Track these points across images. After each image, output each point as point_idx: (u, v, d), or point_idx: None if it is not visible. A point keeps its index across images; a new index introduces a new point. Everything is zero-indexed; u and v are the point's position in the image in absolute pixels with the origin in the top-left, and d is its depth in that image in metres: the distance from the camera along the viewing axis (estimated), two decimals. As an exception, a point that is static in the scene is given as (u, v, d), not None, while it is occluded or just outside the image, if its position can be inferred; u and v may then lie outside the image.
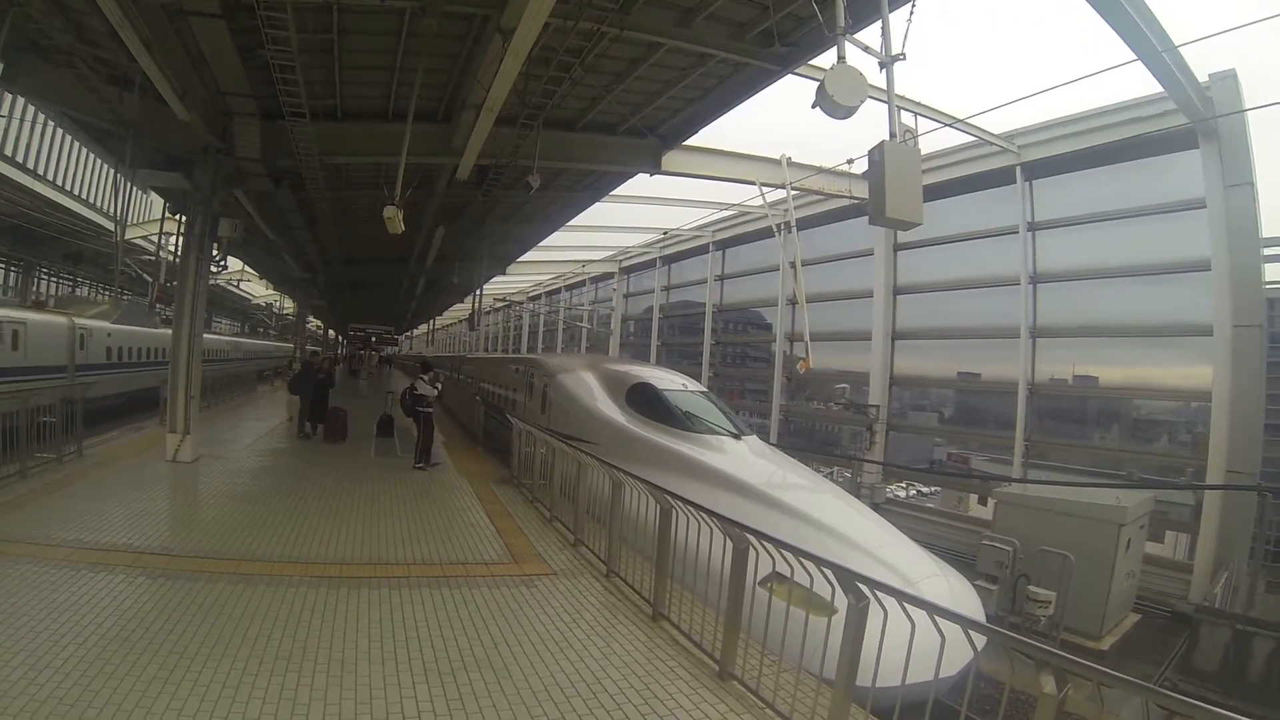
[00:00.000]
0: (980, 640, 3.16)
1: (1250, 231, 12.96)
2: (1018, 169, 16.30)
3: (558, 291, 43.88)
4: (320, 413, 14.63)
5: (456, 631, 5.08)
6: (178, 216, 12.38)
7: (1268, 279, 13.92)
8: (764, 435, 12.53)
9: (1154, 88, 12.51)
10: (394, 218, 10.65)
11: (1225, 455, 13.03)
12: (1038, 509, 12.20)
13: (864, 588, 3.59)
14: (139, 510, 7.50)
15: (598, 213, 19.12)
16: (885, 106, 6.44)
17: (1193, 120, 12.76)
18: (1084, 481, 14.88)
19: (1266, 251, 13.68)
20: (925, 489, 23.38)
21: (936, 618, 3.23)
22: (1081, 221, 15.82)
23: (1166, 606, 12.81)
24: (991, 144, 15.94)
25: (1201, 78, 12.50)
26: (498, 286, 37.78)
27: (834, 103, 6.01)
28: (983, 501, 16.85)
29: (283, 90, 8.89)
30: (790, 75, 10.13)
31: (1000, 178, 16.78)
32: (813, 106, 6.19)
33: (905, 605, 3.35)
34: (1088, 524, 11.41)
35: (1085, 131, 14.88)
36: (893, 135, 6.21)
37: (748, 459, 9.70)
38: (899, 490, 20.88)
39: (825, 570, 3.84)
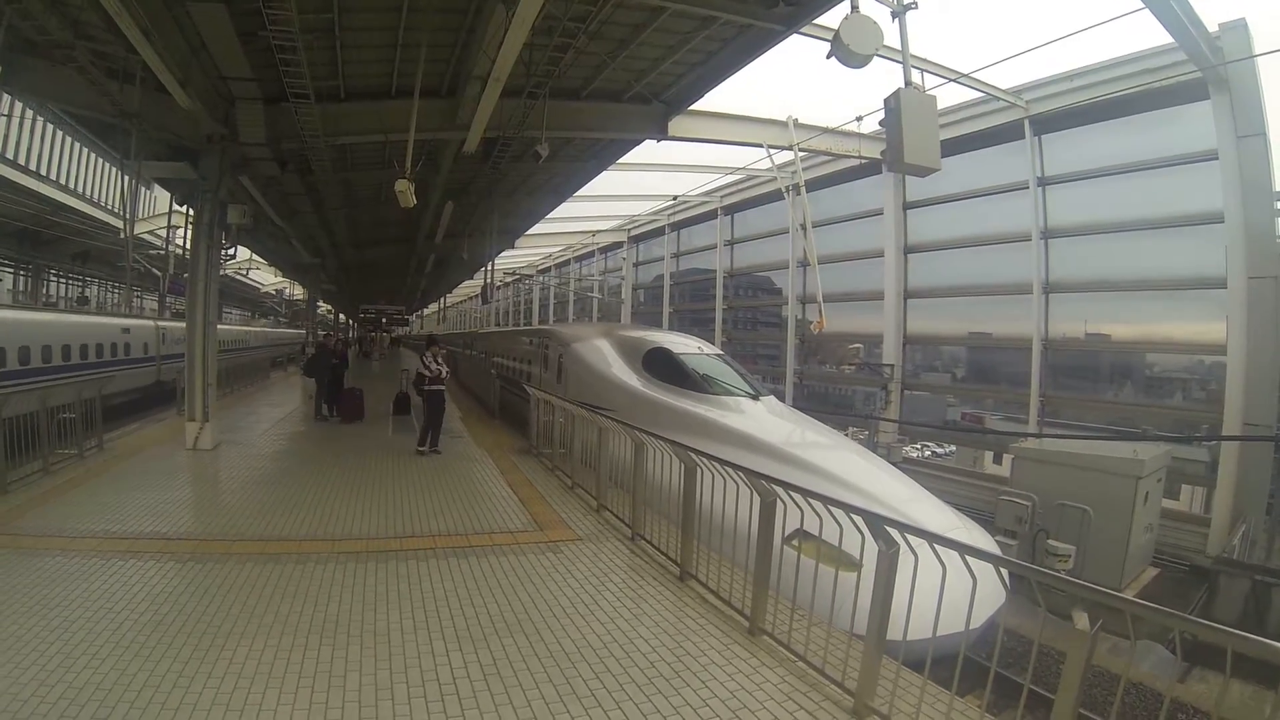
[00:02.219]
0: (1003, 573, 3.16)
1: (1264, 183, 12.82)
2: (1026, 123, 16.17)
3: (567, 263, 43.99)
4: (336, 394, 14.71)
5: (486, 599, 5.13)
6: (185, 208, 12.37)
7: (1280, 233, 13.78)
8: (779, 399, 12.51)
9: (1163, 38, 12.33)
10: (405, 190, 10.63)
11: (1241, 408, 12.99)
12: (1055, 463, 12.21)
13: (894, 532, 3.58)
14: (164, 499, 7.56)
15: (605, 182, 19.06)
16: (891, 64, 6.40)
17: (1202, 69, 12.54)
18: (1099, 433, 14.87)
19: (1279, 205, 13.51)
20: (940, 449, 23.45)
21: (967, 558, 3.21)
22: (1092, 175, 15.66)
23: (1185, 560, 12.87)
24: (999, 99, 15.78)
25: (1211, 27, 12.30)
26: (507, 261, 37.79)
27: (849, 51, 5.98)
28: (998, 460, 16.88)
29: (285, 72, 8.85)
30: (796, 36, 10.00)
31: (1009, 133, 16.67)
32: (828, 57, 6.16)
33: (935, 547, 3.34)
34: (1105, 478, 11.42)
35: (1094, 84, 14.71)
36: (908, 83, 6.14)
37: (766, 419, 9.74)
38: (913, 451, 20.94)
39: (854, 517, 3.81)
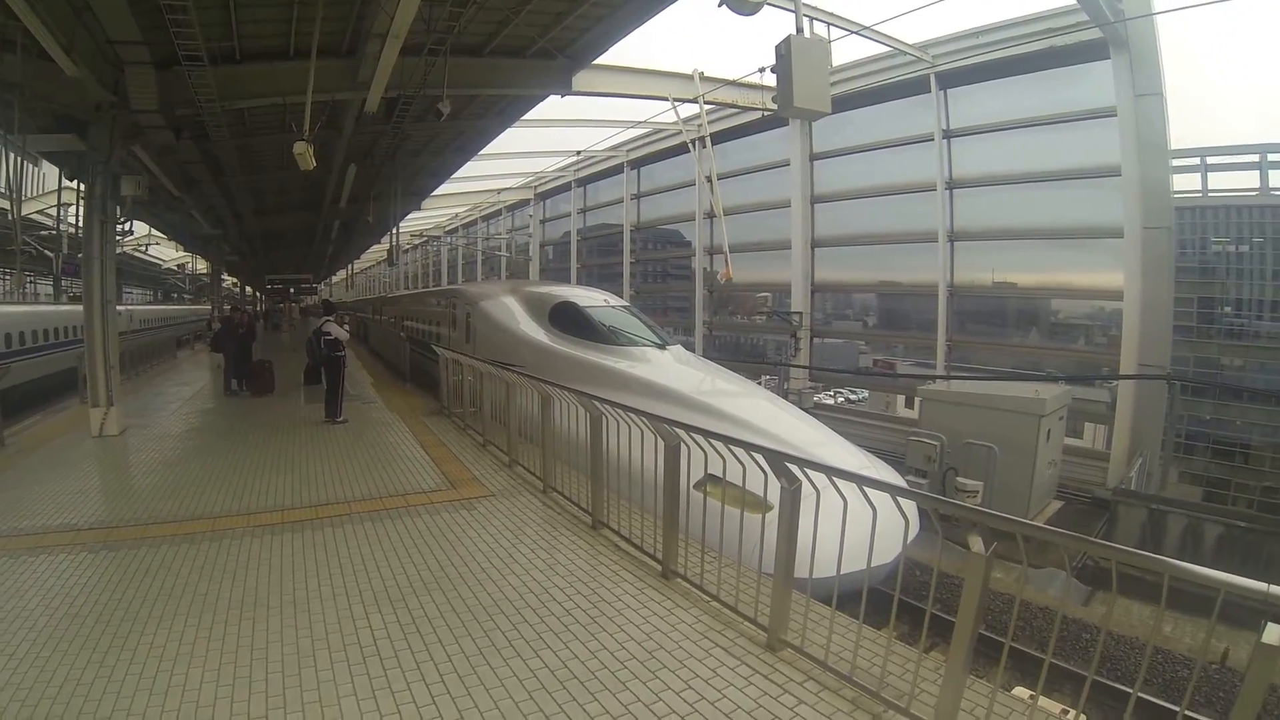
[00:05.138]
0: (910, 508, 3.28)
1: (1159, 139, 13.52)
2: (932, 78, 16.59)
3: (474, 223, 43.64)
4: (245, 368, 14.37)
5: (403, 559, 5.17)
6: (75, 183, 11.58)
7: (1176, 189, 14.63)
8: (688, 349, 12.73)
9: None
10: (305, 153, 10.25)
11: (1137, 350, 13.78)
12: (961, 404, 12.80)
13: (794, 468, 3.69)
14: (71, 489, 7.23)
15: (510, 139, 18.95)
16: (794, 17, 6.45)
17: (1103, 28, 13.01)
18: (1004, 376, 15.66)
19: (1175, 163, 14.33)
20: (853, 395, 24.37)
21: (867, 490, 3.32)
22: (996, 129, 16.24)
23: (1087, 493, 13.67)
24: (906, 53, 16.11)
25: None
26: (414, 223, 37.62)
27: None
28: (909, 404, 17.63)
29: (177, 34, 8.29)
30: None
31: (915, 87, 17.08)
32: (719, 5, 6.16)
33: (835, 481, 3.46)
34: (1009, 416, 12.01)
35: (1000, 42, 15.13)
36: (799, 30, 6.24)
37: (674, 368, 9.88)
38: (827, 398, 21.64)
39: (756, 456, 3.90)
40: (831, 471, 3.51)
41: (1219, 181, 32.91)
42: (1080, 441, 15.52)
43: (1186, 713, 2.75)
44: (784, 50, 5.89)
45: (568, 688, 3.48)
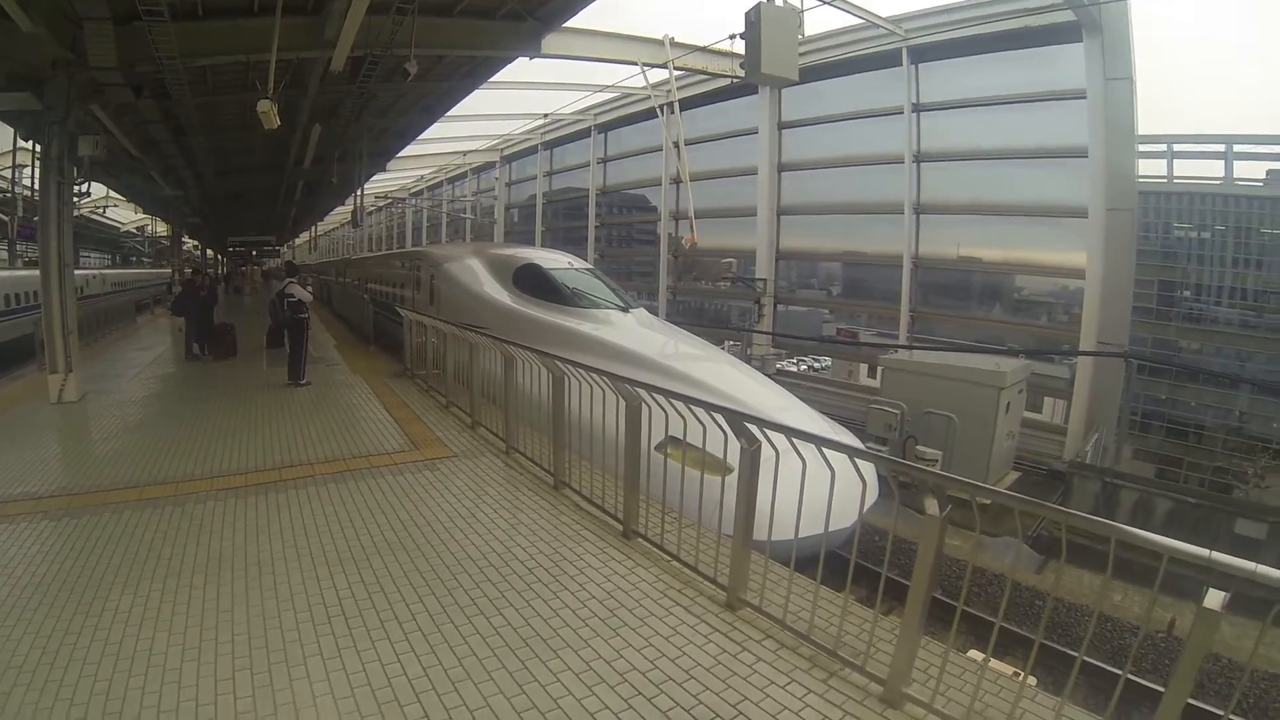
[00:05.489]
0: (870, 476, 3.34)
1: (1127, 124, 13.69)
2: (904, 51, 16.60)
3: (440, 185, 43.29)
4: (207, 331, 14.17)
5: (366, 520, 5.21)
6: (31, 143, 11.18)
7: (1141, 173, 14.88)
8: (653, 313, 12.84)
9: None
10: (269, 112, 10.04)
11: (1096, 329, 14.06)
12: (922, 374, 12.99)
13: (754, 428, 3.74)
14: (30, 458, 7.09)
15: (477, 101, 18.56)
16: None
17: (1076, 11, 13.11)
18: (966, 347, 15.93)
19: (1142, 148, 14.57)
20: (817, 363, 24.67)
21: (825, 451, 3.38)
22: (966, 105, 16.33)
23: (1044, 465, 14.01)
24: (879, 26, 16.11)
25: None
26: (379, 185, 37.21)
27: None
28: (872, 373, 17.91)
29: (136, -14, 8.02)
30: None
31: (887, 60, 17.11)
32: None
33: (794, 442, 3.52)
34: (969, 388, 12.22)
35: (974, 19, 15.17)
36: None
37: (636, 330, 9.90)
38: (791, 365, 21.88)
39: (716, 416, 3.95)
40: (791, 432, 3.56)
41: (1185, 168, 33.55)
42: (1040, 416, 15.91)
43: (1129, 675, 2.90)
44: (754, 17, 5.98)
45: (530, 645, 3.56)
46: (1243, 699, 7.36)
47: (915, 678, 3.17)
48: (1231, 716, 2.58)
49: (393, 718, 2.99)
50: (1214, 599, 2.25)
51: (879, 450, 11.27)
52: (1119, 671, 2.79)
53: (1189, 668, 2.41)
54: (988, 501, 3.04)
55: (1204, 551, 2.22)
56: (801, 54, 17.67)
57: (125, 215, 45.25)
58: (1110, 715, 2.67)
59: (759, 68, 6.05)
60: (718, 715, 3.05)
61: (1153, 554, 2.38)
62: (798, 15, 6.40)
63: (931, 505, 2.97)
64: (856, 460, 3.42)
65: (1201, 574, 2.25)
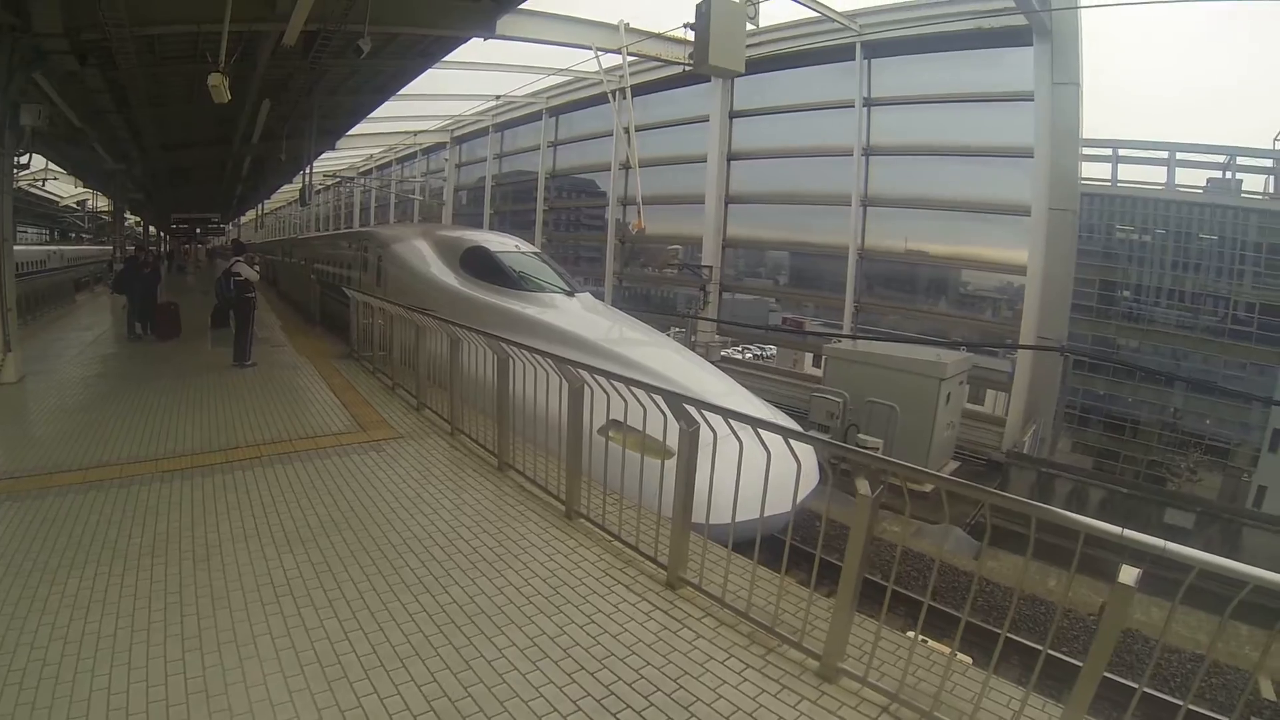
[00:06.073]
0: (810, 465, 3.41)
1: (1072, 127, 14.23)
2: (858, 46, 16.89)
3: (389, 165, 42.83)
4: (150, 311, 13.81)
5: (313, 500, 5.25)
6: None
7: (1085, 176, 15.42)
8: (599, 298, 12.94)
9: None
10: (220, 85, 9.80)
11: (1036, 323, 14.55)
12: (865, 364, 13.33)
13: (692, 409, 3.86)
14: (-33, 443, 6.91)
15: (429, 81, 18.32)
16: None
17: (1025, 13, 13.44)
18: (907, 339, 16.30)
19: (1086, 151, 15.08)
20: (762, 352, 25.00)
21: (761, 432, 3.47)
22: (917, 101, 16.72)
23: (983, 455, 14.50)
24: (834, 21, 16.34)
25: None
26: (328, 163, 36.33)
27: None
28: (817, 362, 18.27)
29: (83, -51, 7.76)
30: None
31: (840, 54, 17.40)
32: None
33: (731, 423, 3.63)
34: (910, 378, 12.58)
35: (928, 18, 15.51)
36: None
37: (581, 314, 10.01)
38: (737, 353, 22.14)
39: (655, 398, 4.05)
40: (728, 414, 3.69)
41: (1129, 173, 34.78)
42: (981, 408, 16.48)
43: (1050, 650, 3.12)
44: (704, 9, 6.18)
45: (476, 622, 3.65)
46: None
47: (851, 654, 3.33)
48: (1147, 689, 2.79)
49: (342, 694, 3.06)
50: (1128, 575, 2.41)
51: (819, 436, 11.57)
52: (1041, 648, 3.00)
53: (1106, 640, 2.56)
54: (928, 489, 3.19)
55: (1117, 529, 2.38)
56: (756, 44, 17.98)
57: (65, 189, 43.46)
58: (1032, 686, 2.88)
59: (707, 59, 6.25)
60: (658, 689, 3.18)
61: (1089, 540, 2.51)
62: (746, 9, 6.58)
63: (863, 486, 3.10)
64: (792, 442, 3.49)
65: (1123, 555, 2.40)
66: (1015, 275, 15.53)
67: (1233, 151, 33.09)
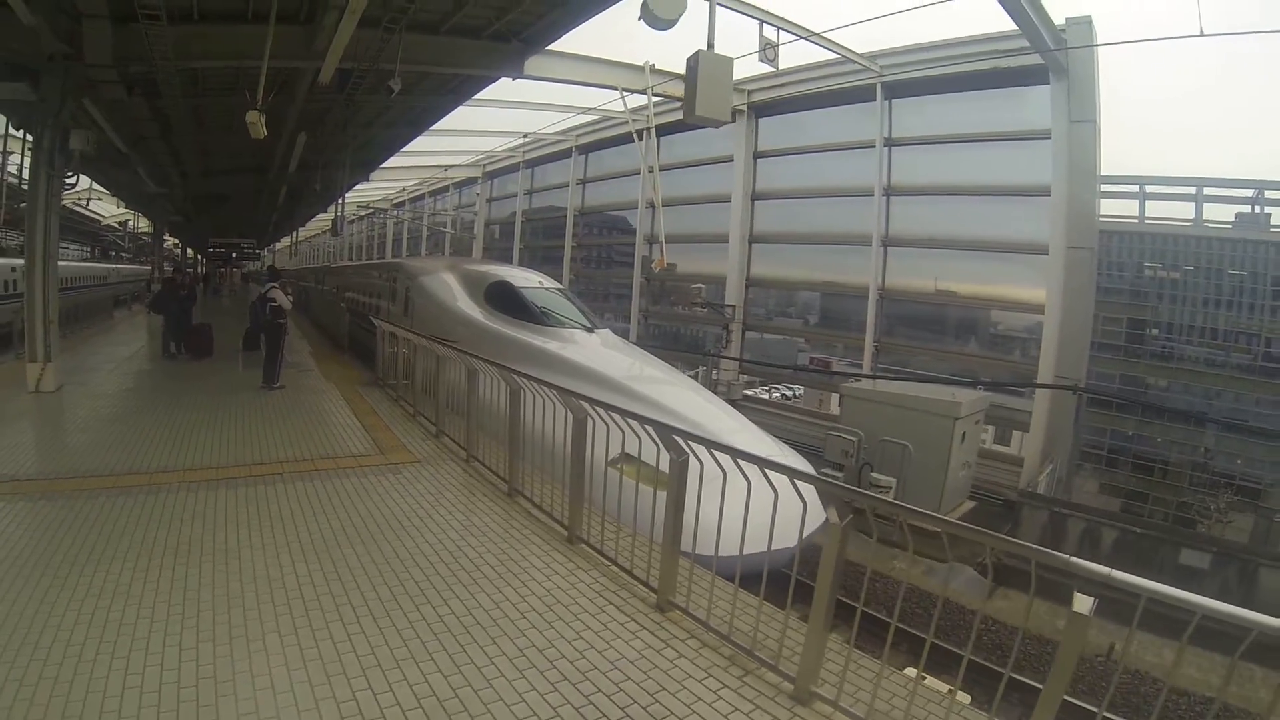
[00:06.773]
0: (807, 490, 3.39)
1: (1090, 165, 14.25)
2: (879, 87, 17.12)
3: (421, 197, 43.58)
4: (184, 330, 14.36)
5: (329, 514, 5.52)
6: (22, 133, 11.38)
7: (1102, 212, 15.42)
8: (624, 336, 13.11)
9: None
10: (256, 122, 10.34)
11: (1054, 362, 14.47)
12: (880, 402, 13.31)
13: (680, 440, 4.06)
14: (8, 443, 7.32)
15: (461, 117, 18.90)
16: (747, 20, 6.98)
17: (1043, 55, 13.61)
18: (925, 378, 16.23)
19: (1104, 188, 15.09)
20: (789, 392, 24.95)
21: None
22: (936, 141, 16.90)
23: (999, 495, 14.27)
24: (855, 62, 16.59)
25: (1059, 21, 13.45)
26: (361, 193, 37.32)
27: (654, 16, 6.59)
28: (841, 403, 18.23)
29: (135, -13, 8.30)
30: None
31: (862, 94, 17.63)
32: (639, 19, 6.65)
33: (714, 453, 3.80)
34: (925, 417, 12.55)
35: (946, 59, 15.72)
36: (710, 45, 6.79)
37: (599, 350, 10.28)
38: (764, 393, 22.12)
39: (647, 428, 4.27)
40: (711, 445, 3.88)
41: (1157, 209, 34.36)
42: (1005, 448, 16.35)
43: (1012, 674, 3.24)
44: (693, 63, 6.56)
45: (470, 632, 3.87)
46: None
47: (826, 678, 3.46)
48: (1107, 715, 2.85)
49: (339, 688, 3.29)
50: (1082, 604, 2.46)
51: (834, 477, 11.59)
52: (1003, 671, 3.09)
53: (1064, 668, 2.63)
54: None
55: (1063, 557, 2.48)
56: (780, 85, 18.30)
57: (107, 209, 45.04)
58: (995, 711, 2.98)
59: (694, 110, 6.61)
60: (635, 702, 3.35)
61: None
62: (731, 63, 6.93)
63: (833, 514, 3.25)
64: (783, 478, 3.50)
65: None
66: (1034, 314, 15.52)
67: (1261, 185, 32.61)
